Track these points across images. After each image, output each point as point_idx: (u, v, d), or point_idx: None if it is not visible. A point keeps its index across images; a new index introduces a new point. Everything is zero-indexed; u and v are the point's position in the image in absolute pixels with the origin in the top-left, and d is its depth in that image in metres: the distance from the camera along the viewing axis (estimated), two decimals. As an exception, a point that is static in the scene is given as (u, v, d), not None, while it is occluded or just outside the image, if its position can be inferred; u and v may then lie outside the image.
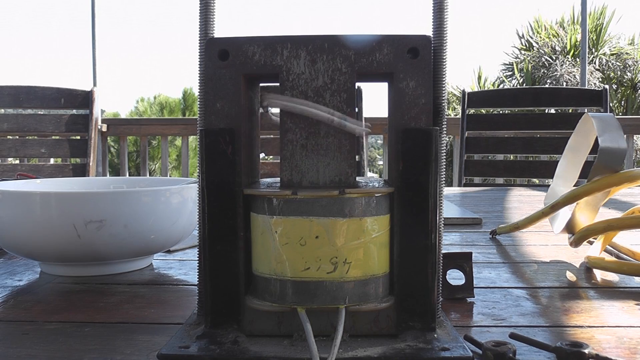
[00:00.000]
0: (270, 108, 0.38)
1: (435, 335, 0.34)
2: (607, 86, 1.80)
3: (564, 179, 0.67)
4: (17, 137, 1.95)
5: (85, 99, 1.83)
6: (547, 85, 7.41)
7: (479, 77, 9.03)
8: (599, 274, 0.52)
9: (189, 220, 0.54)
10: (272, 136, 1.84)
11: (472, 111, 1.89)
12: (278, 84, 0.35)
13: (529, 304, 0.43)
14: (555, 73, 7.88)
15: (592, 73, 7.73)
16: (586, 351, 0.30)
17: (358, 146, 1.74)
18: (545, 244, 0.68)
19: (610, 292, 0.47)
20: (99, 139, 2.73)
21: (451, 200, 1.16)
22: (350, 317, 0.33)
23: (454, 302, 0.43)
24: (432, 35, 0.35)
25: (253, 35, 0.35)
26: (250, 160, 0.37)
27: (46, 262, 0.53)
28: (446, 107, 0.36)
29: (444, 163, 0.35)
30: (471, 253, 0.44)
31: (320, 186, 0.35)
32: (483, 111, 2.08)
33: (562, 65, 7.99)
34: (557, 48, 8.45)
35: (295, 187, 0.34)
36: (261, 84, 0.40)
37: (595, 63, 8.05)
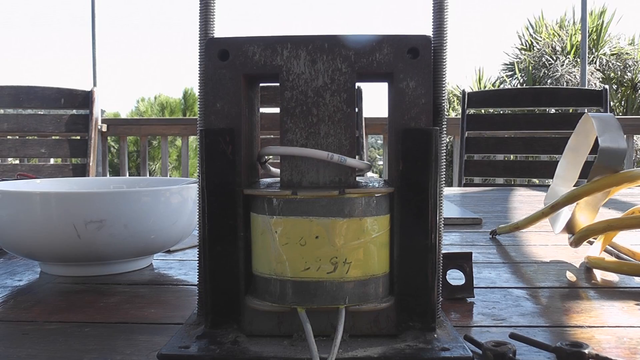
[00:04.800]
0: (267, 162, 0.38)
1: (435, 335, 0.34)
2: (607, 86, 1.80)
3: (564, 179, 0.67)
4: (17, 137, 1.95)
5: (85, 99, 1.83)
6: (547, 85, 7.41)
7: (480, 78, 9.03)
8: (599, 274, 0.52)
9: (189, 220, 0.54)
10: (272, 136, 1.84)
11: (472, 111, 1.89)
12: (278, 84, 0.35)
13: (529, 304, 0.43)
14: (556, 73, 7.88)
15: (592, 73, 7.73)
16: (586, 351, 0.30)
17: (358, 146, 1.74)
18: (545, 244, 0.68)
19: (610, 292, 0.47)
20: (99, 139, 2.73)
21: (451, 200, 1.16)
22: (350, 317, 0.33)
23: (454, 302, 0.43)
24: (432, 35, 0.35)
25: (253, 35, 0.35)
26: (250, 160, 0.37)
27: (46, 262, 0.53)
28: (446, 107, 0.36)
29: (444, 163, 0.35)
30: (471, 253, 0.44)
31: (320, 186, 0.35)
32: (483, 111, 2.08)
33: (562, 65, 7.99)
34: (557, 48, 8.45)
35: (295, 187, 0.34)
36: (261, 84, 0.40)
37: (595, 63, 8.05)
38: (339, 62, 0.35)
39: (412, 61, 0.35)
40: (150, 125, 3.10)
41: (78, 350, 0.34)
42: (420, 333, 0.34)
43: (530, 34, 8.99)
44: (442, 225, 0.36)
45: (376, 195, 0.34)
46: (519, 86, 8.16)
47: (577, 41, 8.06)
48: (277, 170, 0.37)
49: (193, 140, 4.71)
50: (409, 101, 0.35)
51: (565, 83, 7.66)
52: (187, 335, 0.34)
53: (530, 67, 8.32)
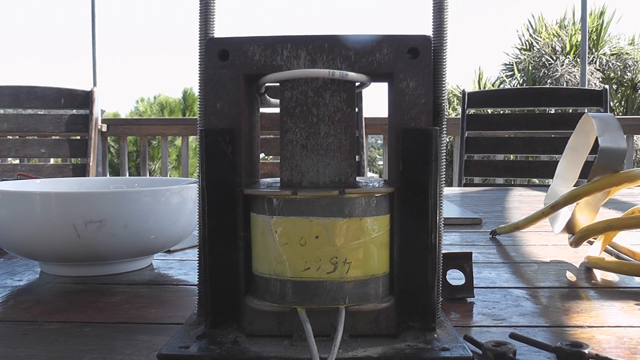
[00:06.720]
0: (267, 95, 0.38)
1: (435, 335, 0.34)
2: (607, 86, 1.80)
3: (564, 179, 0.67)
4: (17, 137, 1.94)
5: (85, 99, 1.83)
6: (547, 85, 7.41)
7: (480, 77, 9.03)
8: (599, 274, 0.52)
9: (189, 220, 0.54)
10: (272, 136, 1.84)
11: (472, 111, 1.89)
12: (278, 84, 0.35)
13: (529, 304, 0.43)
14: (556, 73, 7.88)
15: (592, 73, 7.73)
16: (586, 351, 0.30)
17: (358, 146, 1.74)
18: (545, 244, 0.68)
19: (610, 292, 0.47)
20: (99, 139, 2.73)
21: (451, 200, 1.16)
22: (350, 317, 0.33)
23: (454, 302, 0.43)
24: (432, 35, 0.35)
25: (253, 35, 0.35)
26: (250, 160, 0.37)
27: (46, 262, 0.53)
28: (446, 107, 0.36)
29: (444, 163, 0.36)
30: (471, 253, 0.44)
31: (320, 186, 0.35)
32: (483, 111, 2.08)
33: (562, 65, 7.99)
34: (557, 48, 8.45)
35: (295, 187, 0.34)
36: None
37: (595, 63, 8.05)
38: (339, 62, 0.35)
39: (412, 61, 0.35)
40: (150, 125, 3.10)
41: (78, 350, 0.34)
42: (420, 333, 0.34)
43: (530, 34, 8.99)
44: (442, 225, 0.36)
45: (376, 195, 0.34)
46: (518, 86, 8.15)
47: (577, 41, 8.06)
48: (277, 101, 0.37)
49: (193, 140, 4.71)
50: (409, 101, 0.35)
51: (565, 83, 7.66)
52: (187, 335, 0.34)
53: (530, 67, 8.32)
